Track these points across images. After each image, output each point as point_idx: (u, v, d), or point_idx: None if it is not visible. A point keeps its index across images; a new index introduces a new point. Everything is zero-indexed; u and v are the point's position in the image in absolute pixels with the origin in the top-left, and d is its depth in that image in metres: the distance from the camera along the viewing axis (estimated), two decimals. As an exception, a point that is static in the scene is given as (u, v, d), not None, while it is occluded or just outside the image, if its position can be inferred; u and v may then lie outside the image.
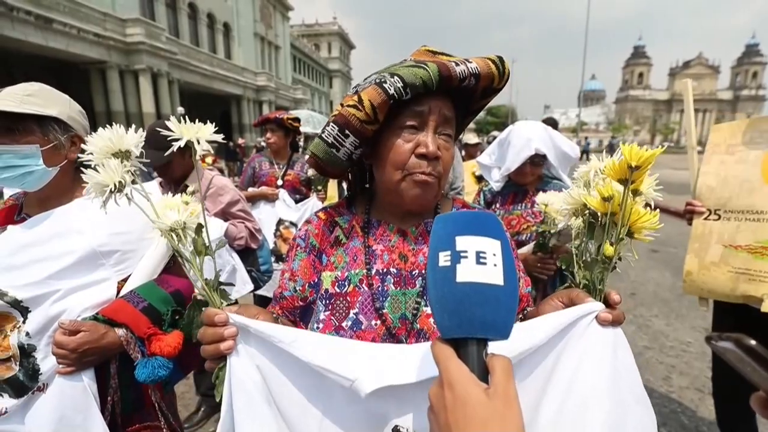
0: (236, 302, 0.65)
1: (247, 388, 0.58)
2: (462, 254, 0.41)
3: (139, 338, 0.94)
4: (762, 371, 0.38)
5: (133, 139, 0.60)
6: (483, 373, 0.39)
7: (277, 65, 33.14)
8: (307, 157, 2.75)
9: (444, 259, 0.42)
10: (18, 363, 0.89)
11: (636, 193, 0.59)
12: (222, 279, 0.63)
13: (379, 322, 0.72)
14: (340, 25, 51.61)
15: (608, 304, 0.61)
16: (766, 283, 1.31)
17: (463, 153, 4.23)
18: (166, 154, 0.59)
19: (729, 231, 1.40)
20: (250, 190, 2.73)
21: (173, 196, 0.66)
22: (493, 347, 0.42)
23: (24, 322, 0.88)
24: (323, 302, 0.75)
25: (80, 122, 1.02)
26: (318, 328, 0.74)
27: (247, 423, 0.57)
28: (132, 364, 0.92)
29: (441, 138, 0.71)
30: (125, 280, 1.00)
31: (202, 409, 2.35)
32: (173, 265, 1.10)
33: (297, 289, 0.78)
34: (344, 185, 0.90)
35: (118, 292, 0.98)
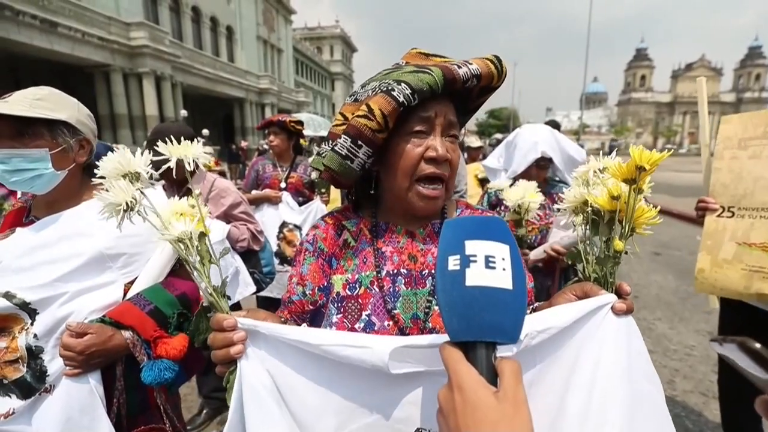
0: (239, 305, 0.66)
1: (258, 391, 0.58)
2: (471, 258, 0.42)
3: (146, 341, 0.94)
4: (766, 374, 0.38)
5: (141, 160, 0.62)
6: (492, 376, 0.40)
7: (280, 68, 33.27)
8: (310, 159, 2.75)
9: (453, 263, 0.42)
10: (25, 364, 0.89)
11: (639, 191, 0.62)
12: (227, 281, 0.64)
13: (391, 322, 0.72)
14: (342, 28, 51.81)
15: (620, 295, 0.63)
16: None
17: (466, 156, 4.24)
18: (164, 167, 0.61)
19: (743, 228, 1.38)
20: (254, 192, 2.74)
21: (179, 199, 0.66)
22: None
23: (32, 324, 0.89)
24: (335, 305, 0.76)
25: (88, 126, 1.03)
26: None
27: (258, 426, 0.57)
28: (138, 367, 0.93)
29: (448, 140, 0.72)
30: (132, 282, 1.01)
31: (205, 411, 2.35)
32: (179, 268, 1.10)
33: (306, 293, 0.78)
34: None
35: (125, 295, 0.99)
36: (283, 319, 0.78)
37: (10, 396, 0.90)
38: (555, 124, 4.30)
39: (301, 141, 2.98)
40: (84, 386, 0.90)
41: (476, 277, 0.41)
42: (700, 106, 1.53)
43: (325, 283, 0.78)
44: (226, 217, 1.98)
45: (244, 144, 18.14)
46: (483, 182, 2.37)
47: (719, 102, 78.88)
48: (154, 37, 16.71)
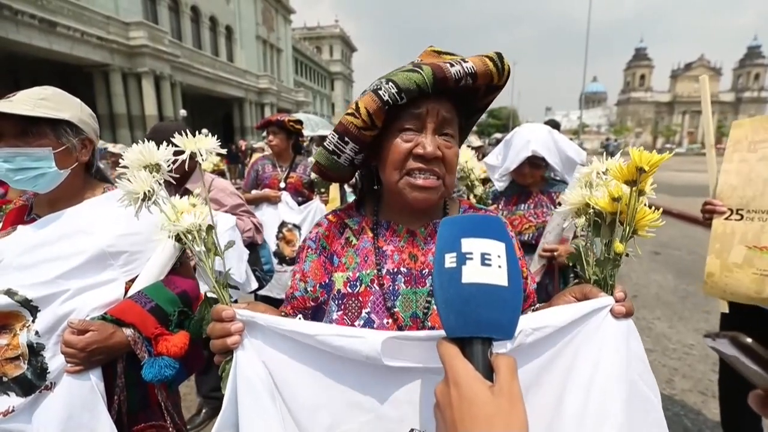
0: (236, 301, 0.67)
1: (252, 382, 0.59)
2: (467, 256, 0.42)
3: (147, 338, 0.95)
4: (758, 369, 0.38)
5: (162, 153, 0.65)
6: (488, 372, 0.41)
7: (279, 68, 33.27)
8: (308, 159, 2.78)
9: (450, 260, 0.43)
10: (26, 361, 0.90)
11: (641, 193, 0.62)
12: (230, 273, 0.66)
13: (390, 320, 0.73)
14: (342, 28, 51.80)
15: (615, 299, 0.63)
16: None
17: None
18: (176, 165, 0.65)
19: (753, 231, 1.36)
20: (253, 192, 2.75)
21: (180, 198, 0.68)
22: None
23: (33, 322, 0.90)
24: (336, 302, 0.76)
25: (91, 125, 1.04)
26: None
27: (251, 416, 0.58)
28: (138, 364, 0.94)
29: (442, 138, 0.72)
30: (133, 280, 1.01)
31: (204, 411, 2.35)
32: (180, 267, 1.11)
33: (308, 289, 0.79)
34: (345, 187, 0.92)
35: (126, 293, 1.00)
36: (284, 314, 0.79)
37: (8, 394, 0.90)
38: (554, 124, 4.30)
39: (301, 140, 2.99)
40: (85, 383, 0.91)
41: (472, 274, 0.42)
42: (703, 105, 1.49)
43: (327, 280, 0.79)
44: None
45: (243, 143, 18.11)
46: (485, 182, 2.37)
47: (718, 102, 78.91)
48: (153, 36, 16.70)
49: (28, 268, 0.91)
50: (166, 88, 17.97)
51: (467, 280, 0.41)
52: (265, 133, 2.86)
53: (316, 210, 2.76)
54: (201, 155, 0.63)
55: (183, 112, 18.78)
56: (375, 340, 0.53)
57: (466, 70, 0.67)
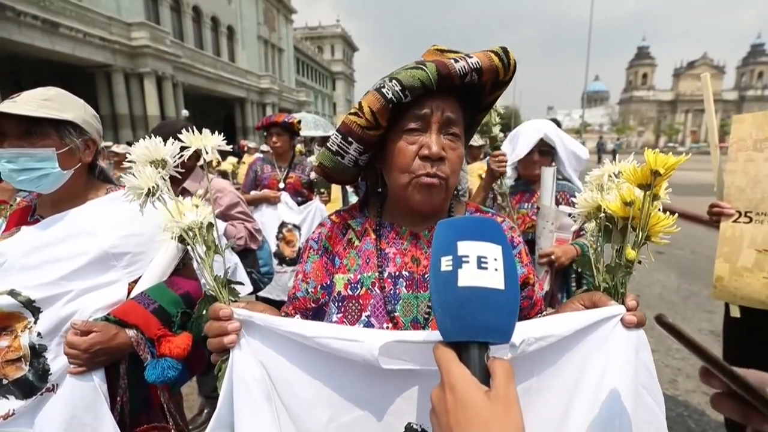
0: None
1: (248, 383, 0.59)
2: (463, 259, 0.42)
3: (149, 339, 0.95)
4: (686, 344, 0.41)
5: (168, 149, 0.65)
6: (484, 376, 0.40)
7: (281, 68, 33.29)
8: (308, 159, 2.76)
9: (446, 263, 0.43)
10: (28, 363, 0.90)
11: (655, 197, 0.59)
12: (229, 271, 0.66)
13: (390, 325, 0.72)
14: (343, 28, 51.78)
15: (627, 307, 0.61)
16: None
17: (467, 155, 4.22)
18: (182, 159, 0.65)
19: (763, 234, 1.33)
20: (252, 193, 2.74)
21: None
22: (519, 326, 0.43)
23: (35, 323, 0.90)
24: (336, 304, 0.76)
25: (94, 126, 1.04)
26: None
27: (245, 417, 0.58)
28: (141, 365, 0.94)
29: (446, 138, 0.70)
30: (136, 281, 1.01)
31: (206, 411, 2.36)
32: (183, 268, 1.11)
33: (309, 290, 0.78)
34: (348, 188, 0.91)
35: (129, 294, 1.00)
36: (285, 314, 0.78)
37: (8, 397, 0.89)
38: (556, 123, 4.29)
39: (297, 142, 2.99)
40: (88, 384, 0.91)
41: (468, 277, 0.41)
42: (706, 103, 1.46)
43: (328, 282, 0.78)
44: (224, 217, 1.96)
45: (243, 143, 18.07)
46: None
47: (722, 100, 78.51)
48: (155, 37, 16.73)
49: (32, 269, 0.91)
50: (168, 89, 18.00)
51: (463, 283, 0.41)
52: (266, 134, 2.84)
53: (316, 210, 2.75)
54: (206, 152, 0.63)
55: (185, 113, 18.81)
56: (372, 345, 0.53)
57: (471, 65, 0.65)
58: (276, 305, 0.87)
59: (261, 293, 2.36)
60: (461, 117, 0.73)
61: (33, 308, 0.90)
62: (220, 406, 0.59)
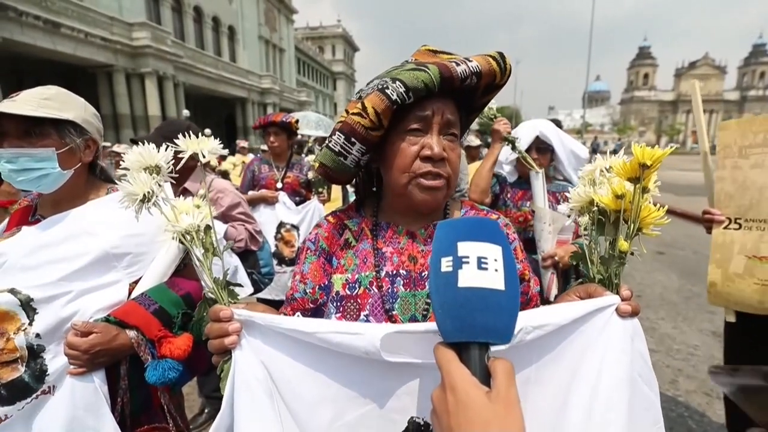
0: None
1: (250, 383, 0.58)
2: (464, 260, 0.42)
3: (150, 340, 0.94)
4: None
5: (162, 155, 0.65)
6: (485, 377, 0.40)
7: (282, 68, 33.31)
8: (306, 159, 2.75)
9: (446, 264, 0.43)
10: (25, 364, 0.87)
11: (645, 190, 0.61)
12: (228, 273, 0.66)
13: (388, 323, 0.72)
14: (344, 28, 51.81)
15: (622, 297, 0.63)
16: None
17: (465, 155, 4.23)
18: (178, 167, 0.65)
19: (752, 241, 1.34)
20: (250, 193, 2.73)
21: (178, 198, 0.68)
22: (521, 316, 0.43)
23: (30, 324, 0.88)
24: (334, 304, 0.76)
25: (95, 125, 1.04)
26: None
27: (247, 418, 0.58)
28: (141, 366, 0.93)
29: (446, 139, 0.72)
30: (136, 282, 1.01)
31: (206, 411, 2.36)
32: (184, 268, 1.11)
33: (307, 291, 0.79)
34: (348, 187, 0.91)
35: (130, 295, 0.99)
36: (283, 315, 0.79)
37: None
38: (557, 123, 4.29)
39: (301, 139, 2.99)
40: (88, 385, 0.91)
41: (469, 278, 0.41)
42: (695, 111, 1.48)
43: (326, 282, 0.78)
44: (224, 217, 1.95)
45: (244, 143, 18.06)
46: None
47: (723, 100, 78.43)
48: (157, 37, 16.76)
49: (32, 270, 0.91)
50: (169, 89, 18.03)
51: (463, 284, 0.41)
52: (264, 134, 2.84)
53: (315, 210, 2.74)
54: (203, 156, 0.63)
55: (186, 113, 18.81)
56: (373, 336, 0.53)
57: (471, 69, 0.66)
58: (275, 305, 0.87)
59: (259, 294, 2.36)
60: (459, 119, 0.74)
61: (29, 309, 0.88)
62: (224, 409, 0.59)
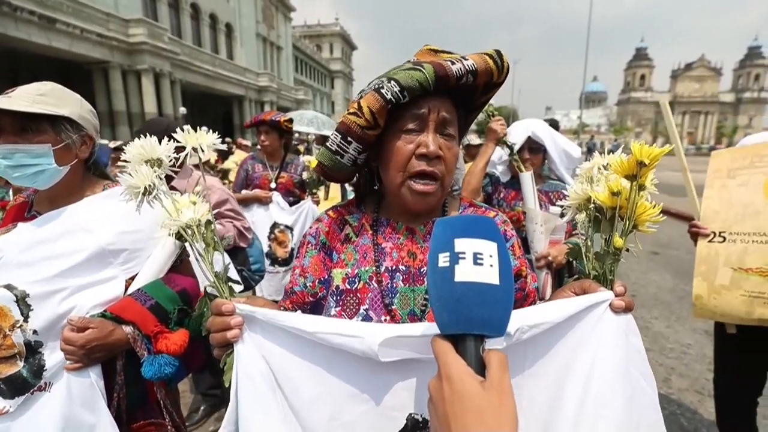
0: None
1: (253, 376, 0.59)
2: (460, 255, 0.44)
3: (146, 336, 0.95)
4: None
5: (164, 149, 0.65)
6: (480, 367, 0.42)
7: (279, 66, 33.21)
8: (301, 159, 2.73)
9: (443, 260, 0.45)
10: (23, 359, 0.89)
11: (641, 187, 0.62)
12: (228, 267, 0.67)
13: (388, 317, 0.74)
14: (342, 26, 51.69)
15: (615, 293, 0.64)
16: None
17: (464, 153, 4.23)
18: (178, 164, 0.66)
19: (737, 253, 1.37)
20: (243, 192, 2.70)
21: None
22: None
23: (25, 321, 0.88)
24: (334, 298, 0.77)
25: (91, 122, 1.04)
26: None
27: (251, 410, 0.58)
28: (137, 361, 0.94)
29: (442, 138, 0.72)
30: (133, 278, 1.01)
31: (202, 408, 2.36)
32: (180, 264, 1.11)
33: (307, 285, 0.79)
34: (347, 185, 0.92)
35: (126, 290, 1.00)
36: (283, 308, 0.79)
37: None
38: (553, 123, 4.31)
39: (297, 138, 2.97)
40: (85, 380, 0.91)
41: (465, 273, 0.43)
42: (669, 129, 1.49)
43: (326, 276, 0.79)
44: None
45: (241, 141, 18.00)
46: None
47: (718, 102, 79.00)
48: (153, 33, 16.65)
49: (28, 266, 0.91)
50: (166, 86, 17.92)
51: (460, 278, 0.43)
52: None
53: (308, 211, 2.71)
54: (202, 151, 0.63)
55: (183, 110, 18.74)
56: (372, 341, 0.54)
57: (467, 67, 0.67)
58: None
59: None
60: (456, 118, 0.75)
61: (24, 305, 0.88)
62: (233, 400, 0.60)
